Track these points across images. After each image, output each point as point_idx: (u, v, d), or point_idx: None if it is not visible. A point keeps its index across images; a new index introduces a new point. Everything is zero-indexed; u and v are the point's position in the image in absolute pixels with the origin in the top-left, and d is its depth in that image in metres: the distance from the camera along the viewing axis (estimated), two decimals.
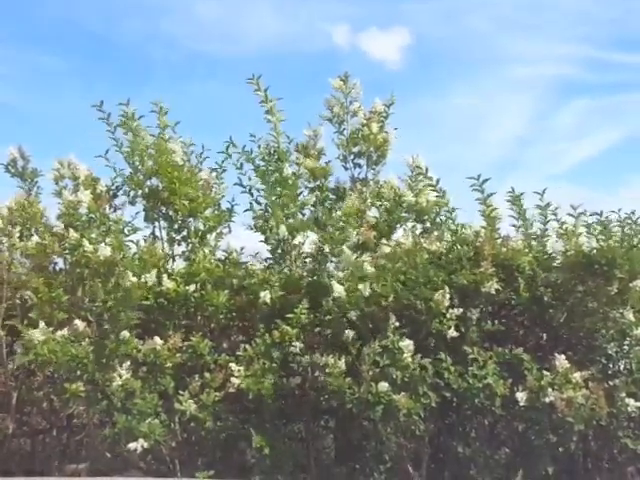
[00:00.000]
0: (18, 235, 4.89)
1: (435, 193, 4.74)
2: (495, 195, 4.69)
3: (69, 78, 15.39)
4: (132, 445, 4.04)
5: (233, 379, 4.14)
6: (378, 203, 4.86)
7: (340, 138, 4.98)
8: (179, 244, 4.81)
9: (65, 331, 4.30)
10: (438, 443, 4.59)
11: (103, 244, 4.40)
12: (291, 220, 4.64)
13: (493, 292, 4.23)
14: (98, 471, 4.51)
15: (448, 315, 4.12)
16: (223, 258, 4.79)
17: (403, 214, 4.74)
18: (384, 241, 4.46)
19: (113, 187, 4.95)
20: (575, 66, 15.71)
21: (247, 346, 4.28)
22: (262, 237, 4.73)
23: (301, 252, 4.71)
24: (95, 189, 4.81)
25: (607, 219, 4.57)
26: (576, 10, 13.93)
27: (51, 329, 4.30)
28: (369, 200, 4.85)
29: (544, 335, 4.57)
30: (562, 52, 14.67)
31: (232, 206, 4.95)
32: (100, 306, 4.48)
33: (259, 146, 4.85)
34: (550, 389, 4.02)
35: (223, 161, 4.95)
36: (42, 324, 4.29)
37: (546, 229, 4.74)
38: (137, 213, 4.87)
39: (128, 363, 4.21)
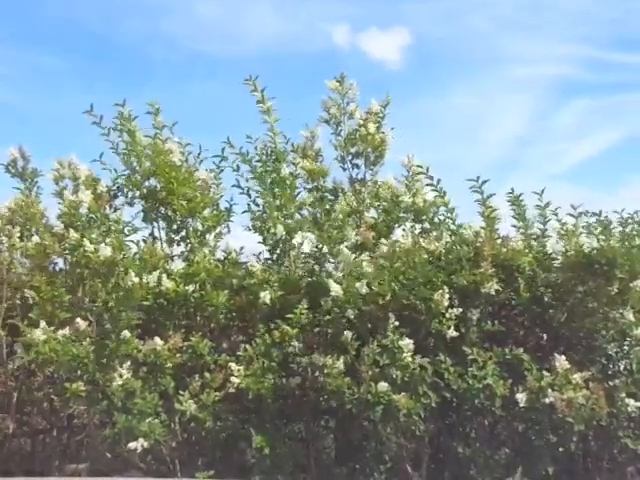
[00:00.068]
0: (18, 235, 4.89)
1: (435, 193, 4.75)
2: (495, 196, 4.69)
3: (69, 78, 15.42)
4: (132, 444, 4.04)
5: (233, 379, 4.14)
6: (376, 203, 4.87)
7: (338, 139, 4.97)
8: (178, 244, 4.81)
9: (66, 331, 4.31)
10: (438, 443, 4.58)
11: (103, 244, 4.41)
12: (289, 221, 4.64)
13: (493, 293, 4.23)
14: (98, 471, 4.51)
15: (447, 315, 4.13)
16: (223, 258, 4.79)
17: (401, 214, 4.75)
18: (383, 240, 4.46)
19: (114, 187, 4.95)
20: (575, 66, 15.73)
21: (247, 346, 4.29)
22: (260, 238, 4.73)
23: (300, 252, 4.70)
24: (96, 189, 4.81)
25: (607, 219, 4.57)
26: (576, 10, 13.95)
27: (52, 329, 4.30)
28: (367, 201, 4.85)
29: (544, 335, 4.56)
30: (562, 52, 14.69)
31: (230, 206, 4.94)
32: (100, 306, 4.48)
33: (256, 147, 4.85)
34: (550, 390, 4.02)
35: (221, 161, 4.95)
36: (43, 323, 4.29)
37: (546, 229, 4.74)
38: (137, 213, 4.88)
39: (128, 363, 4.21)
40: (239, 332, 4.76)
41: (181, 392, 4.21)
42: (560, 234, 4.58)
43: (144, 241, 4.79)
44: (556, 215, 4.70)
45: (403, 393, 3.98)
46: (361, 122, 4.90)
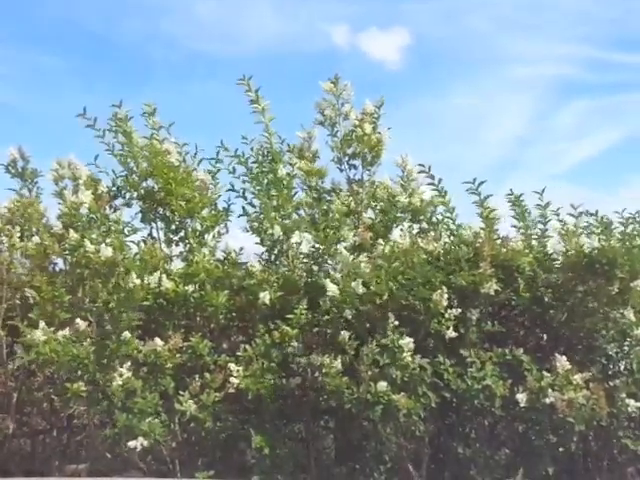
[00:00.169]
0: (18, 235, 4.89)
1: (432, 192, 4.74)
2: (493, 196, 4.69)
3: (69, 78, 15.41)
4: (132, 443, 4.04)
5: (232, 379, 4.14)
6: (374, 204, 4.86)
7: (334, 140, 4.94)
8: (177, 245, 4.81)
9: (66, 331, 4.31)
10: (438, 443, 4.58)
11: (104, 244, 4.40)
12: (287, 221, 4.63)
13: (492, 293, 4.22)
14: (98, 471, 4.51)
15: (447, 315, 4.12)
16: (222, 258, 4.79)
17: (398, 214, 4.73)
18: (381, 241, 4.45)
19: (114, 188, 4.95)
20: (575, 66, 15.71)
21: (247, 346, 4.29)
22: (258, 239, 4.72)
23: (299, 252, 4.70)
24: (96, 189, 4.81)
25: (608, 219, 4.56)
26: (576, 10, 13.93)
27: (52, 329, 4.30)
28: (365, 201, 4.84)
29: (544, 336, 4.56)
30: (562, 52, 14.67)
31: (228, 205, 4.94)
32: (101, 306, 4.48)
33: (252, 148, 4.85)
34: (550, 390, 4.02)
35: (216, 162, 4.94)
36: (43, 324, 4.29)
37: (547, 229, 4.73)
38: (136, 213, 4.88)
39: (129, 363, 4.21)
40: (239, 332, 4.75)
41: (181, 392, 4.21)
42: (561, 234, 4.57)
43: (144, 242, 4.79)
44: (557, 215, 4.69)
45: (402, 393, 3.97)
46: (357, 123, 4.88)
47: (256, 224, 4.69)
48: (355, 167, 4.96)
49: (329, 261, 4.66)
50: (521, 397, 4.05)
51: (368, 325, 4.23)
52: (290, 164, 4.86)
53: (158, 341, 4.25)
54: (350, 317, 4.17)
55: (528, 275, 4.40)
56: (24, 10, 13.41)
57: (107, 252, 4.36)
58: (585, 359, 4.41)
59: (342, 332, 4.13)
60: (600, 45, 15.78)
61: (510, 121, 16.29)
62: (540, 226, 4.74)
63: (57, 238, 4.73)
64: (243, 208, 4.81)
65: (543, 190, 4.69)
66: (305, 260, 4.73)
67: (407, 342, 4.02)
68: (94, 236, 4.51)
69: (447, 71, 15.90)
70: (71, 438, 5.24)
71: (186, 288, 4.41)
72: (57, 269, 4.93)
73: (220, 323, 4.58)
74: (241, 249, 4.85)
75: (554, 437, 4.17)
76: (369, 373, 4.02)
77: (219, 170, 4.95)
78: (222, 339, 4.65)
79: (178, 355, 4.28)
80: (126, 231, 4.79)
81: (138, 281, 4.33)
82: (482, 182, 4.65)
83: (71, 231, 4.51)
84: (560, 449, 4.23)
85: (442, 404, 4.18)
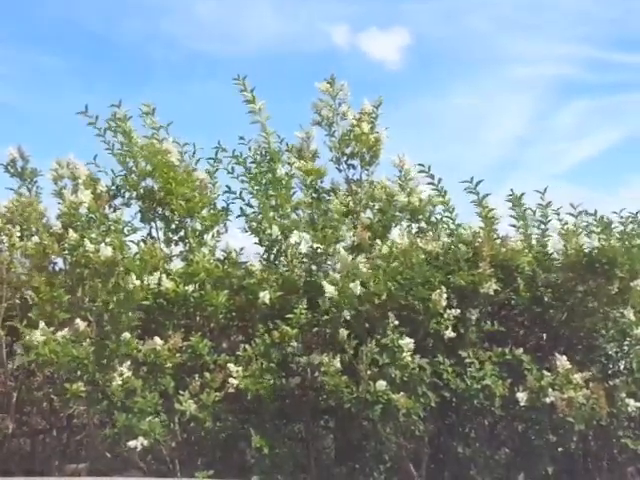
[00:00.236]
0: (18, 235, 4.89)
1: (431, 191, 4.73)
2: (493, 196, 4.67)
3: (69, 78, 15.44)
4: (132, 443, 4.04)
5: (231, 380, 4.14)
6: (372, 204, 4.85)
7: (332, 140, 4.93)
8: (176, 244, 4.80)
9: (66, 331, 4.30)
10: (438, 443, 4.58)
11: (103, 244, 4.40)
12: (285, 221, 4.63)
13: (492, 293, 4.22)
14: (98, 471, 4.51)
15: (446, 315, 4.12)
16: (222, 258, 4.79)
17: (397, 214, 4.72)
18: (378, 241, 4.45)
19: (113, 187, 4.95)
20: (575, 66, 15.73)
21: (247, 346, 4.29)
22: (257, 239, 4.71)
23: (297, 252, 4.69)
24: (95, 189, 4.81)
25: (607, 219, 4.56)
26: (576, 10, 13.94)
27: (51, 329, 4.30)
28: (364, 201, 4.84)
29: (544, 335, 4.56)
30: (562, 52, 14.69)
31: (228, 205, 4.94)
32: (100, 306, 4.48)
33: (250, 148, 4.84)
34: (550, 389, 4.02)
35: (215, 161, 4.94)
36: (42, 324, 4.29)
37: (547, 229, 4.73)
38: (136, 213, 4.88)
39: (128, 363, 4.21)
40: (239, 332, 4.75)
41: (181, 392, 4.21)
42: (560, 234, 4.57)
43: (144, 241, 4.78)
44: (558, 215, 4.69)
45: (402, 393, 3.97)
46: (354, 122, 4.86)
47: (254, 224, 4.69)
48: (353, 167, 4.95)
49: (328, 261, 4.65)
50: (521, 396, 4.05)
51: (367, 325, 4.23)
52: (289, 164, 4.85)
53: (158, 341, 4.24)
54: (349, 317, 4.16)
55: (528, 275, 4.40)
56: (24, 10, 13.44)
57: (107, 252, 4.36)
58: (585, 359, 4.41)
59: (341, 331, 4.13)
60: (600, 45, 15.80)
61: (510, 121, 16.32)
62: (540, 225, 4.73)
63: (56, 238, 4.73)
64: (241, 209, 4.82)
65: (545, 190, 4.70)
66: (304, 260, 4.72)
67: (407, 342, 4.01)
68: (93, 236, 4.51)
69: (447, 71, 15.93)
70: (71, 438, 5.24)
71: (186, 288, 4.41)
72: (56, 269, 4.93)
73: (220, 323, 4.57)
74: (241, 249, 4.85)
75: (554, 437, 4.17)
76: (368, 372, 4.02)
77: (217, 169, 4.96)
78: (222, 339, 4.65)
79: (178, 355, 4.28)
80: (126, 231, 4.78)
81: (138, 281, 4.32)
82: (480, 181, 4.65)
83: (70, 231, 4.51)
84: (560, 449, 4.23)
85: (442, 404, 4.17)
